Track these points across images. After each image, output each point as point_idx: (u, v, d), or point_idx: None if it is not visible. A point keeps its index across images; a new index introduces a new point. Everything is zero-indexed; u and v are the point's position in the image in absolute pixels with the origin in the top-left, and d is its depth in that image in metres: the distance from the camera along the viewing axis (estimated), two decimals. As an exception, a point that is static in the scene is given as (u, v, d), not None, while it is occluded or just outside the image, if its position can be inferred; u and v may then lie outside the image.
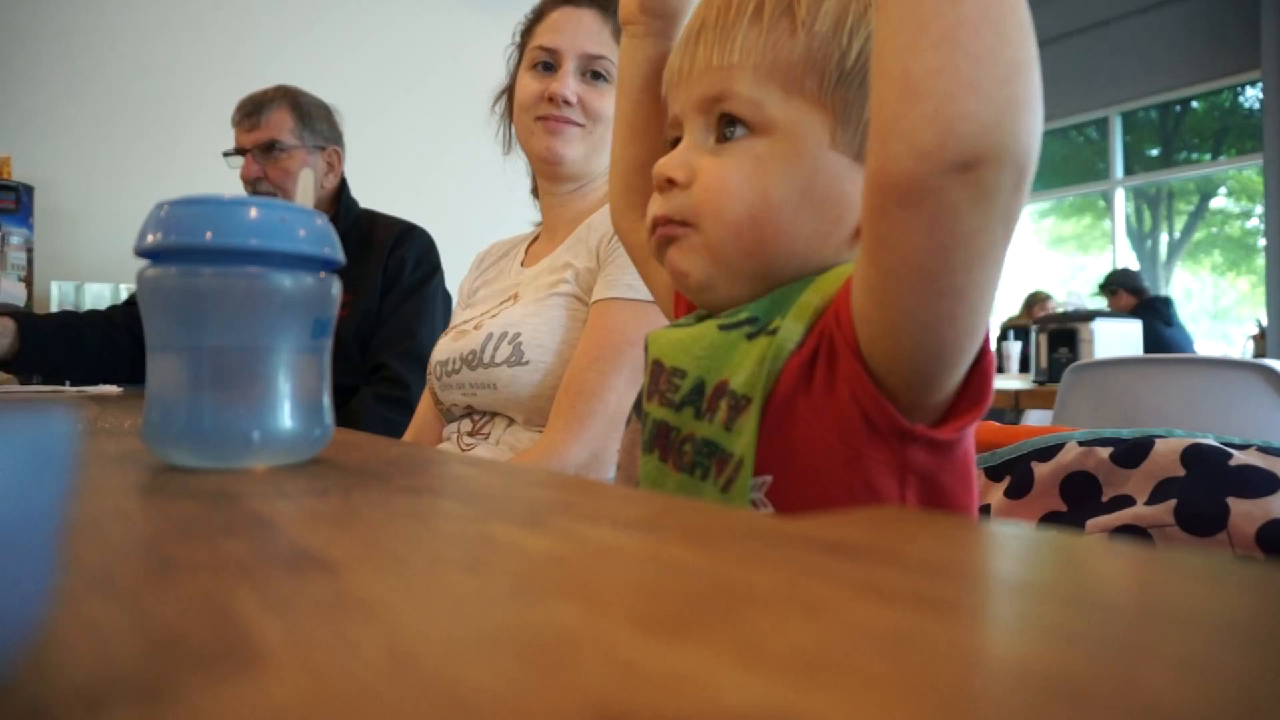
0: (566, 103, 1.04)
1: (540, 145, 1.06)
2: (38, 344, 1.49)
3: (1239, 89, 5.22)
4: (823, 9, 0.48)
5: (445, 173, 3.44)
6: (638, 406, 0.56)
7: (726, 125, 0.50)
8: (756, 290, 0.49)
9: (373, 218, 1.71)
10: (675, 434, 0.50)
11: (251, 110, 1.65)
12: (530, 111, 1.06)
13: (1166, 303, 4.19)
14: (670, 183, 0.51)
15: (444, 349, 1.07)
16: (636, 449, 0.54)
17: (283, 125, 1.63)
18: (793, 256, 0.48)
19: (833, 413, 0.44)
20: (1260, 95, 4.70)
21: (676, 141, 0.53)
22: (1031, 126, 0.36)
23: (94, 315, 1.66)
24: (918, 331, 0.40)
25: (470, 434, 1.03)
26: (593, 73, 1.06)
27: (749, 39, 0.48)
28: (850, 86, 0.47)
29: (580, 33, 1.05)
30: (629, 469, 0.56)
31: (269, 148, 1.62)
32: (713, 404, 0.48)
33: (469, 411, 1.05)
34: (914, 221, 0.36)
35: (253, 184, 1.63)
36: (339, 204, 1.69)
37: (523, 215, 1.22)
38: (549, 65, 1.06)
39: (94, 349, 1.56)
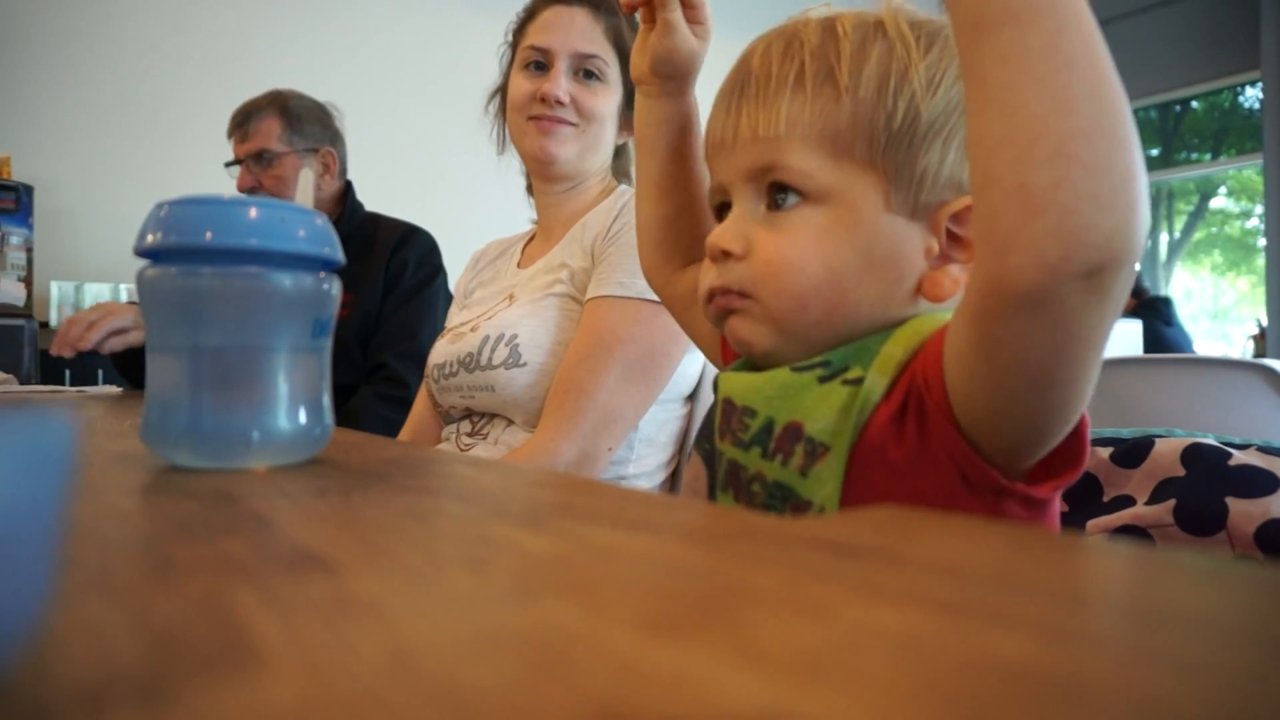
0: (559, 103, 1.04)
1: (533, 145, 1.06)
2: None
3: (1239, 89, 5.22)
4: (864, 73, 0.48)
5: (444, 172, 3.44)
6: (698, 442, 0.56)
7: (778, 193, 0.49)
8: (823, 349, 0.49)
9: (377, 220, 1.72)
10: (744, 473, 0.50)
11: (241, 121, 1.66)
12: (523, 111, 1.06)
13: (1166, 303, 4.20)
14: (726, 255, 0.50)
15: (441, 352, 1.07)
16: (698, 483, 0.54)
17: (270, 133, 1.64)
18: (859, 320, 0.48)
19: (928, 468, 0.43)
20: (1260, 95, 4.70)
21: (722, 207, 0.53)
22: (1145, 226, 0.36)
23: None
24: (1027, 418, 0.40)
25: (469, 434, 1.03)
26: (585, 71, 1.06)
27: (794, 109, 0.48)
28: (900, 148, 0.47)
29: (573, 32, 1.05)
30: None
31: (260, 157, 1.63)
32: (782, 445, 0.47)
33: (468, 413, 1.05)
34: (1033, 328, 0.36)
35: (249, 194, 1.64)
36: (344, 206, 1.70)
37: (521, 215, 1.22)
38: (541, 65, 1.06)
39: None
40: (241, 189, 1.65)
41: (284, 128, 1.65)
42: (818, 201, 0.48)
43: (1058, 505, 0.47)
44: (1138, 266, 0.37)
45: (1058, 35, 0.35)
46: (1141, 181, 0.35)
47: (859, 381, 0.46)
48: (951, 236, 0.48)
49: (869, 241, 0.48)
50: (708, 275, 0.52)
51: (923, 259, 0.48)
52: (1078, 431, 0.42)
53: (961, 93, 0.47)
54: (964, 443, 0.42)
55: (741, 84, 0.51)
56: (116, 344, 1.36)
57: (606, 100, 1.06)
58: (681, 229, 0.67)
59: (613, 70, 1.06)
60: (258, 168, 1.64)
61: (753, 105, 0.50)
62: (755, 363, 0.54)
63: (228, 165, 1.71)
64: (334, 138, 1.73)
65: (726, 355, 0.65)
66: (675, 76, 0.64)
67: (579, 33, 1.05)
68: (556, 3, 1.07)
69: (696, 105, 0.66)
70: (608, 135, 1.08)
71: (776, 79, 0.49)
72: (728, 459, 0.52)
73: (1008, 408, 0.40)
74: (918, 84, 0.47)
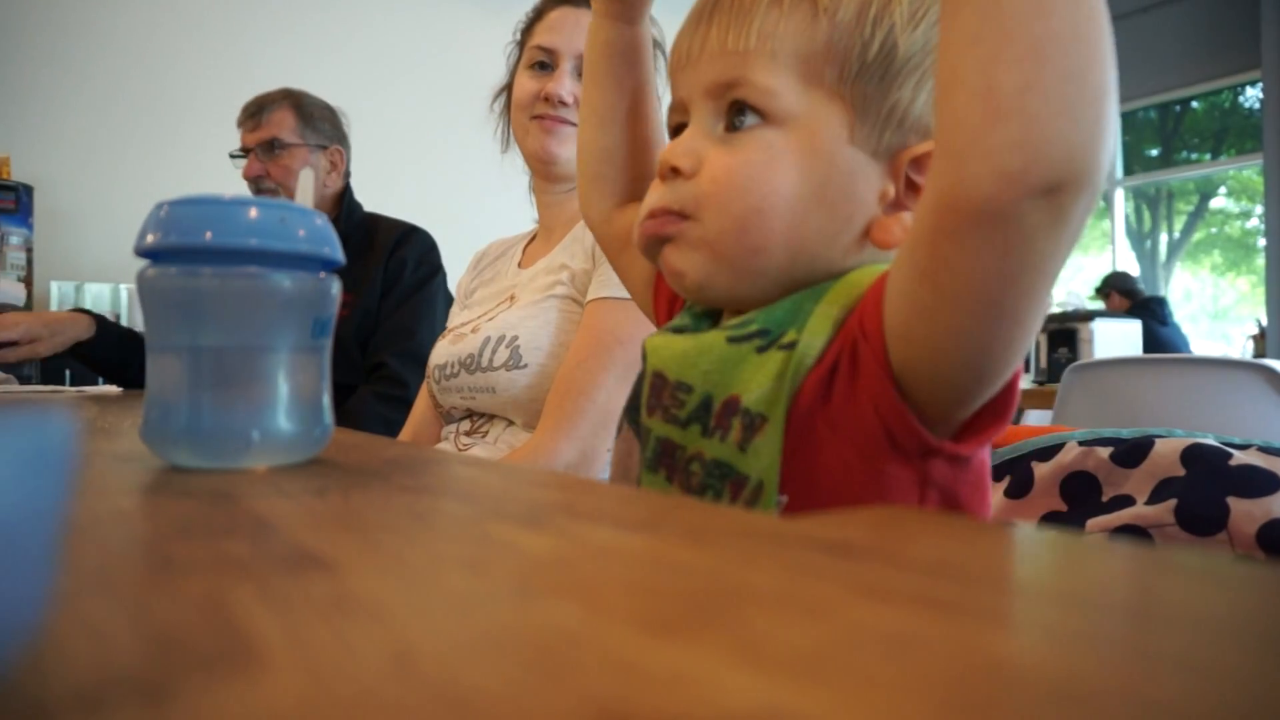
0: (562, 102, 1.04)
1: (535, 144, 1.06)
2: (109, 337, 1.56)
3: (1239, 89, 5.22)
4: None
5: (445, 173, 3.44)
6: (629, 413, 0.54)
7: (737, 113, 0.47)
8: (757, 289, 0.47)
9: (375, 220, 1.72)
10: (681, 453, 0.48)
11: (255, 110, 1.67)
12: (526, 110, 1.06)
13: (1161, 303, 4.20)
14: (675, 171, 0.48)
15: (442, 352, 1.07)
16: (630, 459, 0.52)
17: (284, 124, 1.65)
18: (798, 255, 0.46)
19: (852, 428, 0.42)
20: (1260, 95, 4.70)
21: (680, 128, 0.51)
22: (1112, 149, 0.34)
23: None
24: (968, 353, 0.38)
25: (469, 434, 1.03)
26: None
27: (767, 24, 0.46)
28: (871, 80, 0.45)
29: (578, 33, 1.05)
30: (622, 481, 0.54)
31: (270, 146, 1.64)
32: (721, 421, 0.46)
33: (469, 413, 1.05)
34: (986, 246, 0.35)
35: (255, 182, 1.65)
36: (342, 206, 1.70)
37: (523, 215, 1.22)
38: (545, 65, 1.06)
39: None
40: (248, 176, 1.66)
41: (298, 121, 1.67)
42: (778, 124, 0.46)
43: (986, 461, 0.45)
44: (1135, 264, 0.36)
45: None
46: (1112, 99, 0.34)
47: (794, 346, 0.44)
48: (910, 185, 0.46)
49: (825, 173, 0.45)
50: (652, 195, 0.50)
51: (876, 202, 0.46)
52: (1010, 384, 0.41)
53: None
54: (895, 394, 0.40)
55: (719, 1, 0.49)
56: (9, 356, 1.38)
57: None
58: (621, 164, 0.63)
59: None
60: (266, 157, 1.65)
61: (725, 17, 0.47)
62: (686, 320, 0.52)
63: (233, 155, 1.71)
64: (342, 138, 1.75)
65: (658, 307, 0.62)
66: None
67: (584, 33, 1.05)
68: (564, 4, 1.07)
69: (647, 33, 0.63)
70: None
71: None
72: (656, 436, 0.49)
73: (949, 342, 0.38)
74: (899, 16, 0.45)
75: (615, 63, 0.62)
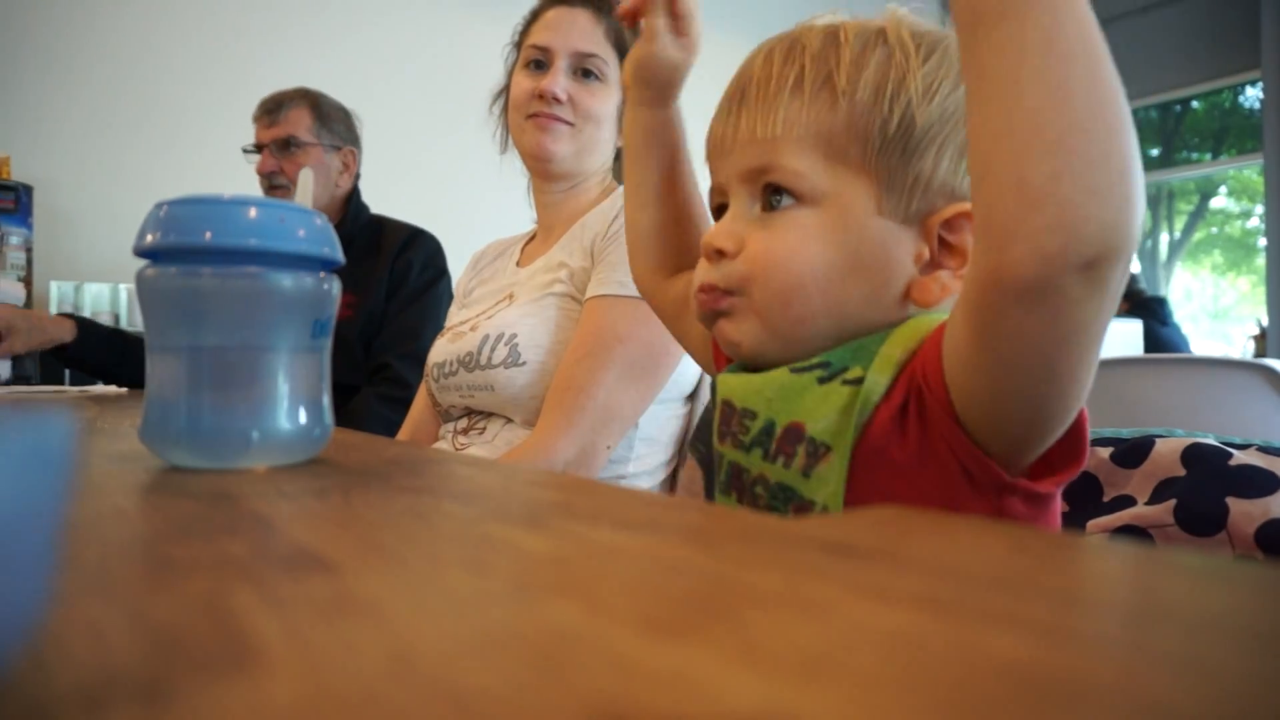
0: (556, 100, 1.04)
1: (531, 142, 1.06)
2: (92, 339, 1.58)
3: (1239, 89, 5.22)
4: (862, 79, 0.48)
5: (446, 174, 3.44)
6: (693, 444, 0.57)
7: (772, 194, 0.50)
8: (810, 354, 0.50)
9: (382, 222, 1.72)
10: (746, 475, 0.50)
11: (272, 107, 1.68)
12: (522, 109, 1.07)
13: (1161, 303, 4.20)
14: (719, 253, 0.51)
15: (441, 351, 1.07)
16: (695, 486, 0.55)
17: (300, 122, 1.66)
18: (844, 321, 0.49)
19: (931, 466, 0.44)
20: (1260, 95, 4.70)
21: (721, 208, 0.54)
22: (1141, 215, 0.36)
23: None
24: (1028, 412, 0.40)
25: (466, 432, 1.03)
26: (584, 71, 1.06)
27: (791, 111, 0.49)
28: (893, 153, 0.48)
29: (574, 32, 1.05)
30: None
31: (286, 144, 1.65)
32: (784, 447, 0.48)
33: (467, 412, 1.05)
34: (1033, 319, 0.37)
35: (268, 178, 1.66)
36: (348, 208, 1.70)
37: (523, 216, 1.22)
38: (541, 63, 1.07)
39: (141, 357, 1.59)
40: (262, 172, 1.67)
41: (314, 120, 1.68)
42: (810, 203, 0.49)
43: (1059, 501, 0.47)
44: (1136, 263, 0.37)
45: (1055, 29, 0.35)
46: (1137, 173, 0.36)
47: (859, 381, 0.46)
48: (943, 244, 0.49)
49: (858, 244, 0.48)
50: (700, 273, 0.53)
51: (912, 264, 0.49)
52: (1078, 426, 0.42)
53: (958, 102, 0.48)
54: (966, 438, 0.42)
55: (743, 88, 0.52)
56: None
57: (604, 100, 1.07)
58: (669, 237, 0.68)
59: (613, 71, 1.06)
60: (282, 154, 1.65)
61: (752, 108, 0.51)
62: (749, 365, 0.54)
63: (246, 150, 1.72)
64: (355, 140, 1.75)
65: (719, 362, 0.65)
66: (654, 84, 0.65)
67: (580, 33, 1.05)
68: (560, 4, 1.07)
69: (680, 117, 0.67)
70: (606, 136, 1.08)
71: (776, 82, 0.50)
72: (729, 461, 0.52)
73: (1008, 401, 0.40)
74: (914, 91, 0.48)
75: (652, 144, 0.67)
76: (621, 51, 1.07)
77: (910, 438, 0.44)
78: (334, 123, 1.70)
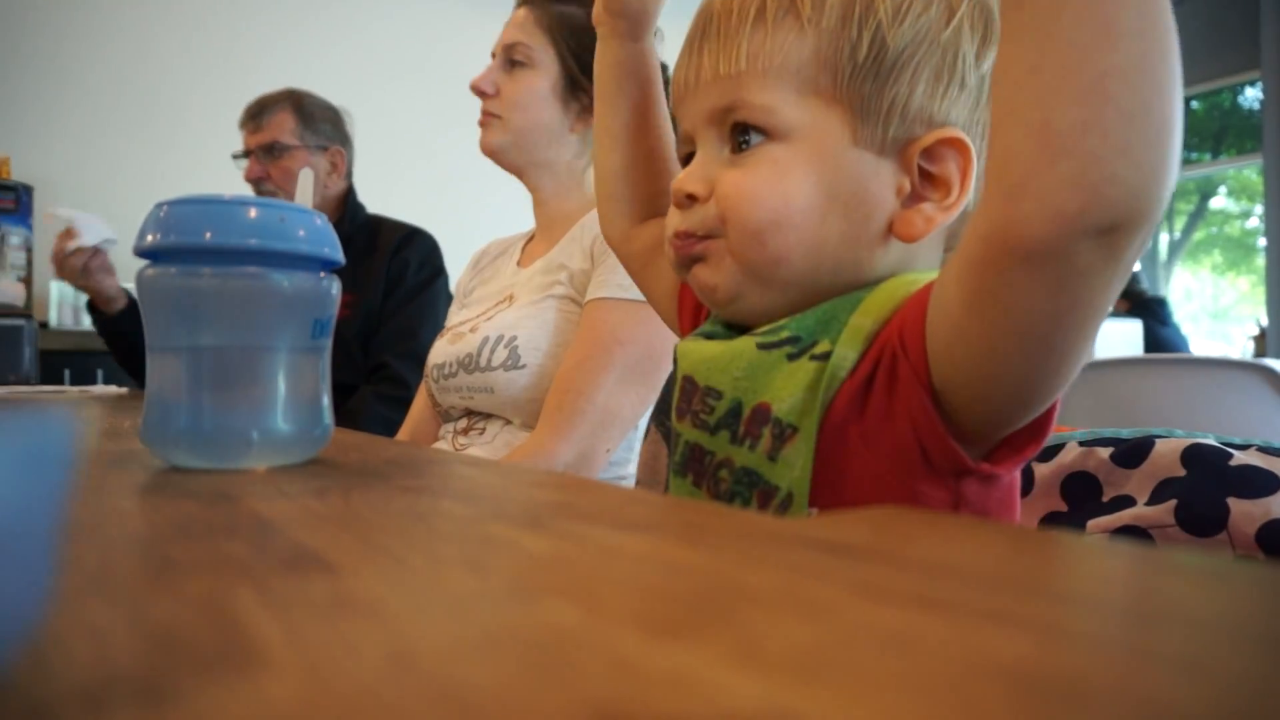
0: (484, 94, 1.06)
1: (479, 141, 1.09)
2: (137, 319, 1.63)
3: (1239, 89, 5.22)
4: (827, 3, 0.46)
5: (445, 174, 3.44)
6: (656, 417, 0.55)
7: (740, 134, 0.48)
8: (789, 298, 0.48)
9: (379, 222, 1.72)
10: (710, 458, 0.48)
11: (255, 113, 1.68)
12: None
13: (1161, 303, 4.20)
14: (690, 198, 0.49)
15: (440, 352, 1.07)
16: (658, 462, 0.53)
17: (284, 126, 1.65)
18: (822, 260, 0.47)
19: (887, 444, 0.42)
20: (1260, 95, 4.70)
21: (689, 158, 0.52)
22: (1174, 182, 0.33)
23: None
24: (1013, 382, 0.38)
25: (465, 432, 1.03)
26: (510, 61, 1.07)
27: (754, 43, 0.47)
28: (866, 79, 0.45)
29: (507, 30, 1.08)
30: (649, 484, 0.55)
31: (270, 149, 1.64)
32: (751, 429, 0.46)
33: (467, 413, 1.05)
34: (1037, 284, 0.34)
35: (256, 185, 1.66)
36: (345, 207, 1.70)
37: (522, 215, 1.22)
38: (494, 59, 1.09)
39: None
40: (249, 179, 1.66)
41: (297, 123, 1.67)
42: (781, 138, 0.46)
43: (1016, 480, 0.46)
44: (1136, 263, 0.35)
45: None
46: (1178, 134, 0.32)
47: (826, 356, 0.44)
48: (924, 175, 0.47)
49: (834, 177, 0.46)
50: (671, 220, 0.51)
51: (893, 197, 0.46)
52: (1049, 406, 0.41)
53: (930, 22, 0.46)
54: (934, 412, 0.40)
55: (704, 25, 0.50)
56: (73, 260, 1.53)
57: (528, 84, 1.06)
58: (638, 181, 0.64)
59: (541, 53, 1.06)
60: (267, 159, 1.65)
61: (714, 44, 0.48)
62: (717, 327, 0.52)
63: (235, 156, 1.72)
64: (344, 139, 1.74)
65: (683, 321, 0.63)
66: (626, 13, 0.61)
67: (511, 28, 1.08)
68: (515, 9, 1.10)
69: (653, 50, 0.64)
70: (542, 119, 1.07)
71: (738, 15, 0.47)
72: (686, 441, 0.49)
73: (994, 371, 0.38)
74: (884, 13, 0.45)
75: (623, 80, 0.63)
76: (554, 33, 1.07)
77: (870, 413, 0.42)
78: (319, 123, 1.70)
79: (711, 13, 0.49)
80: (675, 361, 0.52)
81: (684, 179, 0.49)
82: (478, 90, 1.07)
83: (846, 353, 0.43)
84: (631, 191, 0.65)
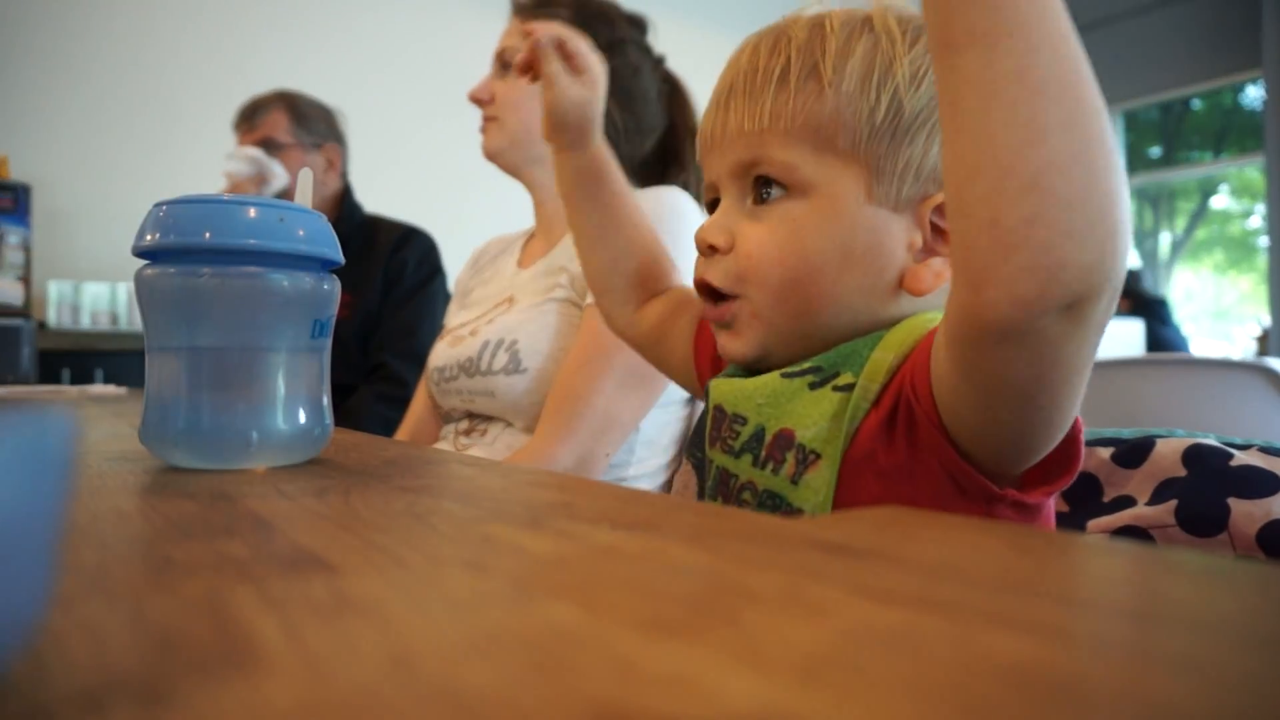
0: (479, 102, 1.09)
1: (481, 146, 1.11)
2: None
3: (1240, 88, 5.22)
4: (848, 67, 0.48)
5: (444, 174, 3.44)
6: (689, 449, 0.57)
7: (763, 187, 0.50)
8: (809, 349, 0.50)
9: (376, 221, 1.72)
10: (734, 481, 0.49)
11: (249, 114, 1.68)
12: None
13: (1162, 303, 4.20)
14: (712, 249, 0.52)
15: (441, 355, 1.07)
16: (688, 491, 0.55)
17: (278, 125, 1.66)
18: (841, 312, 0.49)
19: (920, 474, 0.43)
20: (1262, 94, 4.70)
21: (714, 204, 0.54)
22: (1126, 253, 0.34)
23: None
24: (1013, 435, 0.40)
25: (466, 434, 1.03)
26: (502, 65, 1.09)
27: (778, 103, 0.49)
28: (882, 140, 0.48)
29: (502, 36, 1.10)
30: None
31: (265, 146, 1.64)
32: (773, 453, 0.47)
33: (468, 415, 1.05)
34: (1012, 357, 0.36)
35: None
36: (342, 207, 1.70)
37: (521, 215, 1.22)
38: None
39: None
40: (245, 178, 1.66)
41: (291, 121, 1.67)
42: (800, 194, 0.49)
43: (1052, 508, 0.47)
44: (1137, 260, 0.36)
45: (1028, 58, 0.33)
46: (1122, 208, 0.34)
47: (849, 388, 0.46)
48: (936, 230, 0.48)
49: (849, 233, 0.48)
50: (697, 269, 0.53)
51: (905, 252, 0.49)
52: (1071, 437, 0.42)
53: None
54: (954, 451, 0.42)
55: (731, 83, 0.52)
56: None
57: (519, 83, 1.08)
58: (626, 271, 0.68)
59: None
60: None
61: (740, 101, 0.50)
62: (741, 371, 0.54)
63: (229, 157, 1.71)
64: (338, 137, 1.75)
65: (702, 380, 0.65)
66: (569, 128, 0.66)
67: (504, 34, 1.10)
68: (515, 16, 1.12)
69: (604, 152, 0.68)
70: (536, 115, 1.08)
71: (763, 75, 0.50)
72: (717, 466, 0.51)
73: (992, 426, 0.40)
74: (901, 77, 0.47)
75: (585, 186, 0.67)
76: None
77: (899, 446, 0.44)
78: (312, 121, 1.70)
79: (739, 71, 0.52)
80: (706, 395, 0.54)
81: (707, 229, 0.52)
82: (475, 99, 1.09)
83: (869, 385, 0.45)
84: (624, 281, 0.69)
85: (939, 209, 0.48)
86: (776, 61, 0.49)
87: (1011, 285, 0.34)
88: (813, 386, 0.47)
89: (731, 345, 0.52)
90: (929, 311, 0.49)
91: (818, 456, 0.45)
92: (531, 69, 0.66)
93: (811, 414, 0.46)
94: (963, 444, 0.42)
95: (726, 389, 0.52)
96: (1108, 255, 0.33)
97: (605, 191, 0.67)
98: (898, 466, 0.44)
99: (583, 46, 0.66)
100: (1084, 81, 0.33)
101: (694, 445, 0.56)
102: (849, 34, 0.49)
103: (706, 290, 0.53)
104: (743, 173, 0.51)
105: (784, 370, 0.49)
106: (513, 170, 1.12)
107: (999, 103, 0.33)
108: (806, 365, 0.48)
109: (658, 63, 1.14)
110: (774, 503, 0.47)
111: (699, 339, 0.64)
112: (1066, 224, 0.33)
